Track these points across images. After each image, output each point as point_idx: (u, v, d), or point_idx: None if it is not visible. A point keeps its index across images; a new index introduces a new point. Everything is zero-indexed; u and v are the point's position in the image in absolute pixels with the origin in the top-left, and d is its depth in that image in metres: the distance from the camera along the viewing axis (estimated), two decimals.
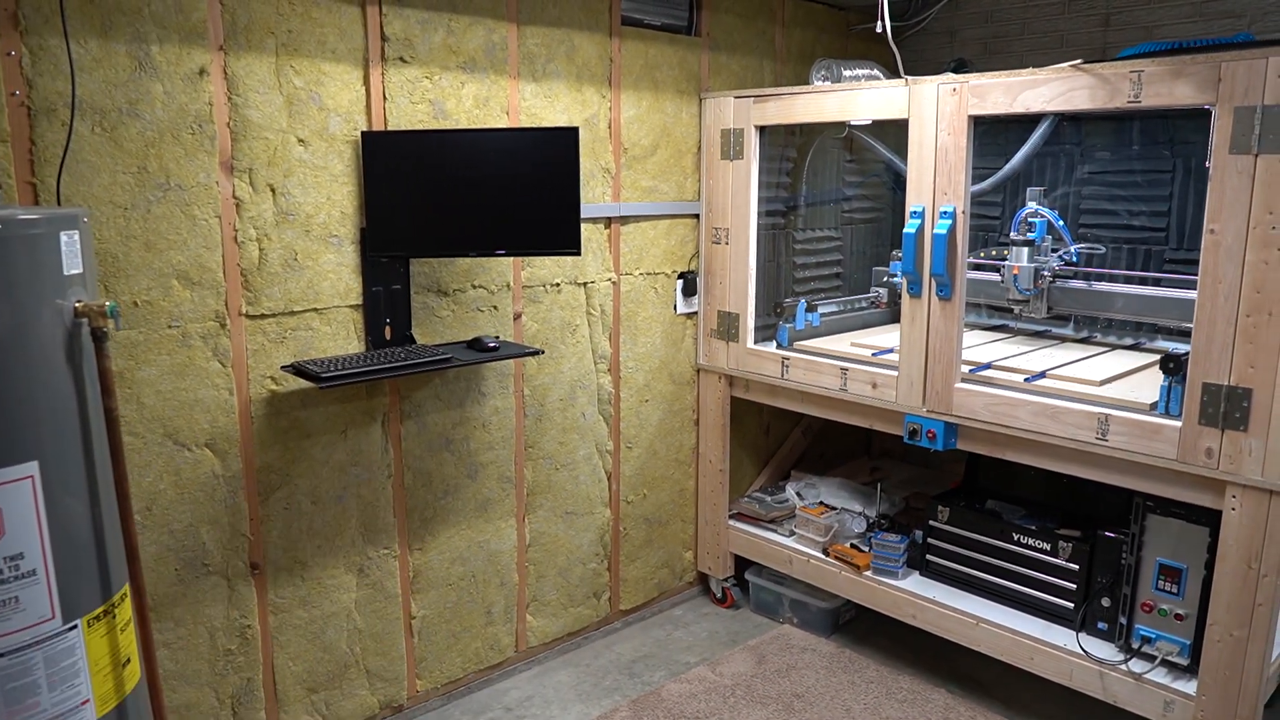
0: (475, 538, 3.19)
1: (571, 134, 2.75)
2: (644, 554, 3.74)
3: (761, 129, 3.46)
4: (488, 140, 2.78)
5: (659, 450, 3.71)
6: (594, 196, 3.30)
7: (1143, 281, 3.44)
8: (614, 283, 3.43)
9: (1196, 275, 3.26)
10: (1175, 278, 3.35)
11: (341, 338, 2.78)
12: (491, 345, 2.87)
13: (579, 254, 2.82)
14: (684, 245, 3.65)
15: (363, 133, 2.69)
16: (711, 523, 3.84)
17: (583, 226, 3.27)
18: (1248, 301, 2.37)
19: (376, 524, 2.93)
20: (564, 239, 2.79)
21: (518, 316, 3.17)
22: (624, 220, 3.42)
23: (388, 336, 2.87)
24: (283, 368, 2.63)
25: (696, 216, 3.67)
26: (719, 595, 3.91)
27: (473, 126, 2.94)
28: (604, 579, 3.61)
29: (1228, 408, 2.44)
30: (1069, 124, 3.71)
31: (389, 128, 2.78)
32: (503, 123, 3.02)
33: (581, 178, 3.23)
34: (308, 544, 2.79)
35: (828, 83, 3.47)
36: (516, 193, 2.78)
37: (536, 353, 2.98)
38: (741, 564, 3.87)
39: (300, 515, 2.76)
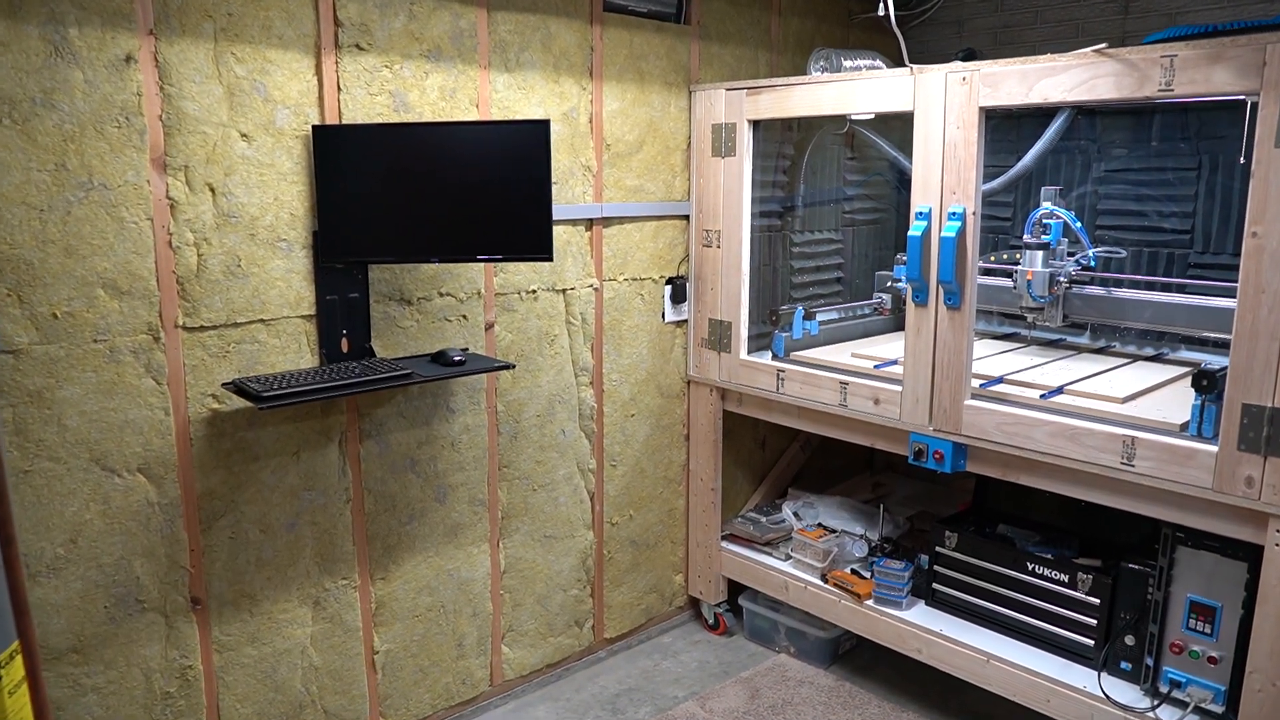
0: (444, 565, 2.95)
1: (541, 127, 2.51)
2: (630, 579, 3.49)
3: (755, 123, 3.21)
4: (450, 135, 2.54)
5: (646, 468, 3.46)
6: (574, 196, 3.06)
7: (1166, 288, 3.19)
8: (596, 289, 3.18)
9: (1223, 281, 3.06)
10: (1201, 284, 3.10)
11: (292, 351, 2.54)
12: (457, 359, 2.63)
13: (550, 259, 2.57)
14: (672, 248, 3.41)
15: (314, 127, 2.45)
16: (703, 545, 3.59)
17: (562, 229, 3.04)
18: None
19: (334, 552, 2.70)
20: (534, 243, 2.55)
21: (490, 326, 2.93)
22: (607, 222, 3.17)
23: (345, 349, 2.63)
24: (224, 385, 2.40)
25: (686, 218, 3.42)
26: (711, 621, 3.66)
27: (438, 120, 2.70)
28: (587, 606, 3.37)
29: (1271, 432, 2.18)
30: (1085, 118, 3.46)
31: (344, 121, 2.54)
32: (472, 116, 2.78)
33: (560, 176, 3.00)
34: (256, 576, 2.55)
35: (826, 74, 3.22)
36: (482, 193, 2.55)
37: (508, 366, 2.74)
38: (736, 588, 3.63)
39: (247, 545, 2.52)
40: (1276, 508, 2.20)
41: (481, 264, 2.86)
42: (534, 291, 3.01)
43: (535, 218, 2.55)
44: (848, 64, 3.27)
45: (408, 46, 2.63)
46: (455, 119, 2.74)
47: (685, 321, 3.48)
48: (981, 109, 2.60)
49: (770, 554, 3.48)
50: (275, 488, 2.55)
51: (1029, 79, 2.49)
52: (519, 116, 2.88)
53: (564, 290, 3.09)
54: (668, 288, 3.40)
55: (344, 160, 2.48)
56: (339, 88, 2.52)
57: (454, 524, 2.95)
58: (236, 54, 2.33)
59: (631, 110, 3.18)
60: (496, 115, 2.83)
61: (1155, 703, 2.52)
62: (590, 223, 3.13)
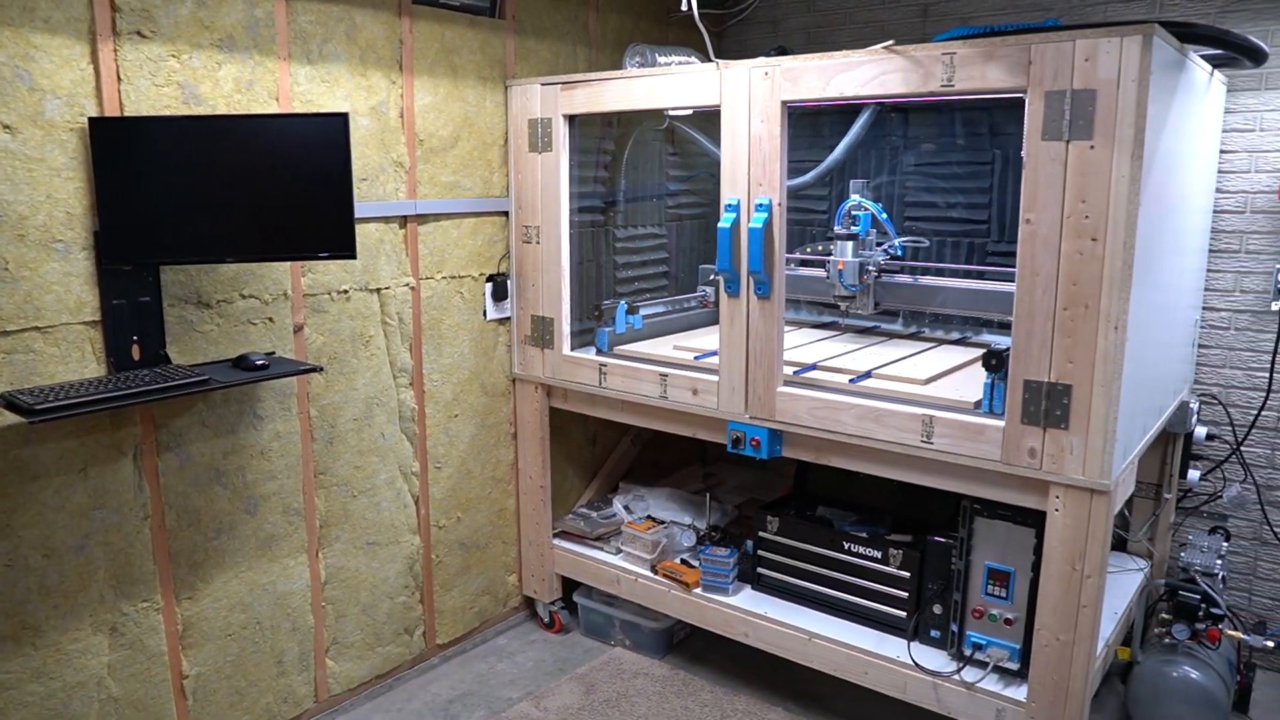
0: (258, 580, 2.81)
1: (340, 120, 2.43)
2: (461, 582, 3.43)
3: (571, 118, 3.21)
4: (245, 129, 2.42)
5: (473, 469, 3.41)
6: (385, 193, 2.97)
7: (966, 275, 3.38)
8: (413, 288, 3.11)
9: (1015, 267, 3.27)
10: (997, 270, 3.30)
11: (75, 360, 2.36)
12: (260, 363, 2.51)
13: (354, 257, 2.49)
14: (492, 245, 3.37)
15: (90, 119, 2.28)
16: (535, 543, 3.57)
17: (374, 226, 2.95)
18: (1065, 294, 2.28)
19: (131, 574, 2.53)
20: (337, 241, 2.46)
21: (299, 329, 2.81)
22: (422, 219, 3.10)
23: (136, 357, 2.47)
24: None
25: (505, 214, 3.38)
26: (547, 620, 3.64)
27: (232, 114, 2.57)
28: (416, 613, 3.29)
29: (1049, 405, 2.34)
30: (895, 115, 3.63)
31: (126, 114, 2.38)
32: (272, 110, 2.66)
33: (370, 172, 2.91)
34: (40, 605, 2.36)
35: (639, 69, 3.25)
36: (281, 190, 2.44)
37: (316, 369, 2.64)
38: (570, 585, 3.62)
39: (28, 572, 2.33)
40: (1055, 475, 2.36)
41: (286, 264, 2.74)
42: (345, 292, 2.91)
43: (337, 214, 2.46)
44: (662, 60, 3.31)
45: (197, 35, 2.49)
46: (254, 112, 2.61)
47: (508, 319, 3.45)
48: (783, 103, 2.67)
49: (602, 549, 3.49)
50: (59, 508, 2.37)
51: (826, 74, 2.59)
52: (324, 110, 2.77)
53: (378, 290, 3.01)
54: (488, 285, 3.36)
55: (128, 155, 2.32)
56: (119, 78, 2.36)
57: (267, 536, 2.82)
58: None
59: (445, 105, 3.12)
60: (299, 109, 2.72)
61: (960, 666, 2.67)
62: (404, 220, 3.05)
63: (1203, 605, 2.82)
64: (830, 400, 2.74)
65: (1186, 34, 2.39)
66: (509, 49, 3.30)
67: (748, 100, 2.74)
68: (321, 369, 2.80)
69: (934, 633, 2.81)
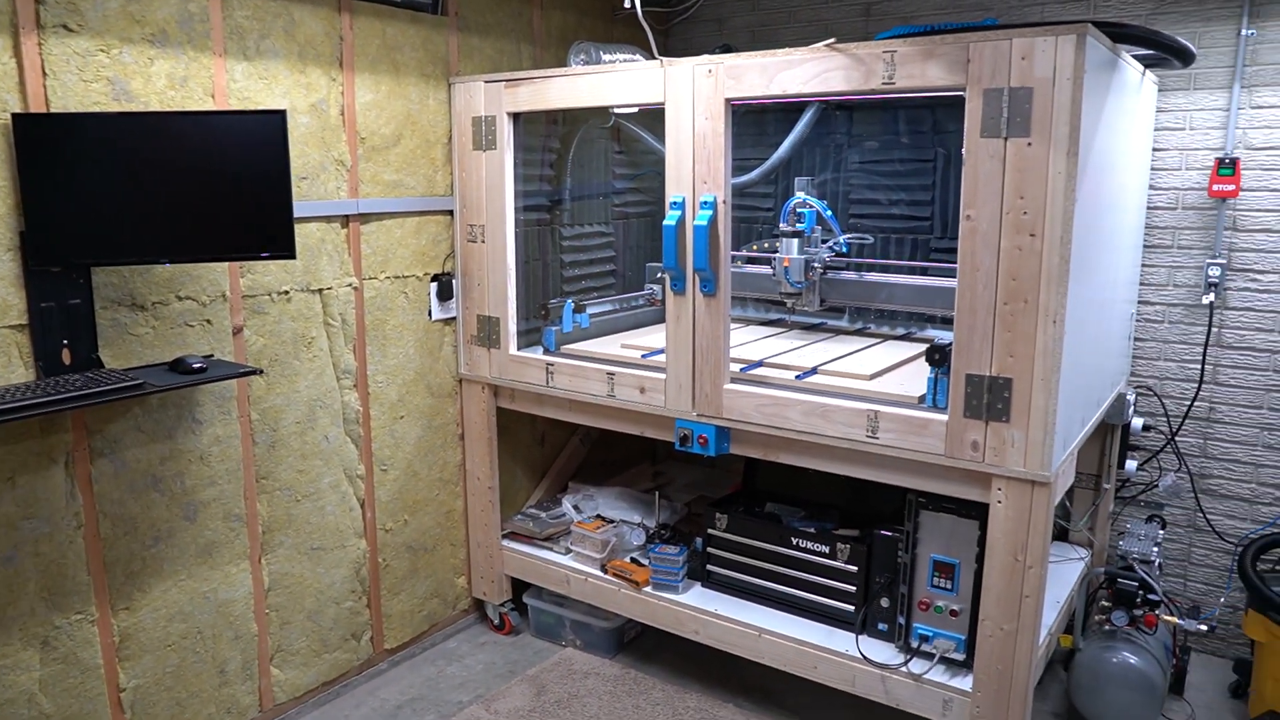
0: (199, 588, 2.75)
1: (278, 118, 2.38)
2: (409, 585, 3.39)
3: (515, 116, 3.18)
4: (179, 126, 2.36)
5: (420, 471, 3.37)
6: (327, 192, 2.92)
7: (910, 271, 3.42)
8: (356, 288, 3.06)
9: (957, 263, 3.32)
10: (940, 266, 3.34)
11: (0, 365, 2.28)
12: (197, 366, 2.45)
13: (293, 257, 2.44)
14: (437, 245, 3.33)
15: (13, 115, 2.21)
16: (483, 545, 3.54)
17: (315, 226, 2.90)
18: (1005, 289, 2.32)
19: (64, 585, 2.45)
20: (276, 241, 2.41)
21: (238, 331, 2.75)
22: (364, 218, 3.06)
23: (67, 361, 2.39)
24: None
25: (450, 213, 3.35)
26: (497, 622, 3.61)
27: (165, 110, 2.50)
28: (364, 618, 3.24)
29: (990, 399, 2.38)
30: (839, 113, 3.66)
31: (53, 110, 2.30)
32: (207, 107, 2.60)
33: (311, 171, 2.86)
34: None
35: (584, 66, 3.23)
36: (217, 189, 2.38)
37: (255, 371, 2.58)
38: (520, 586, 3.60)
39: None
40: (997, 468, 2.40)
41: (224, 265, 2.68)
42: (286, 292, 2.86)
43: (276, 214, 2.41)
44: (607, 58, 3.30)
45: (127, 29, 2.42)
46: (188, 109, 2.55)
47: (453, 319, 3.41)
48: (727, 100, 2.68)
49: (551, 549, 3.47)
50: None
51: (769, 72, 2.60)
52: (262, 107, 2.72)
53: (320, 290, 2.95)
54: (433, 285, 3.32)
55: (54, 153, 2.25)
56: (44, 72, 2.28)
57: (208, 543, 2.75)
58: None
59: (387, 103, 3.07)
60: (236, 106, 2.66)
61: (907, 658, 2.70)
62: (347, 219, 3.00)
63: (1141, 592, 2.89)
64: (777, 397, 2.75)
65: (1119, 34, 2.44)
66: (452, 46, 3.27)
67: (691, 98, 2.74)
68: (262, 371, 2.75)
69: (882, 626, 2.84)
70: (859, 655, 2.75)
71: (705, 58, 2.71)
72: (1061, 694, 3.11)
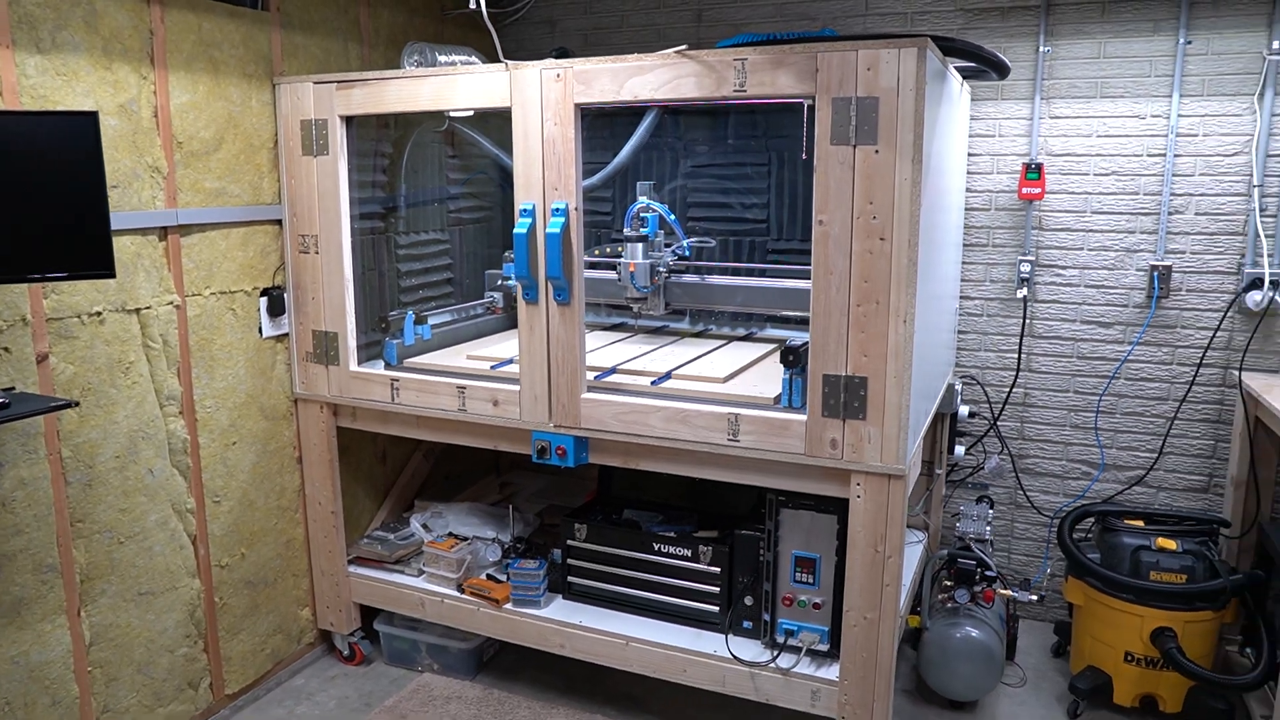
0: (6, 652, 2.43)
1: (89, 120, 2.14)
2: (250, 623, 3.15)
3: (349, 119, 3.02)
4: None
5: (256, 500, 3.14)
6: (141, 202, 2.66)
7: (749, 273, 3.49)
8: (178, 306, 2.80)
9: (798, 265, 3.42)
10: (779, 268, 3.44)
11: None
12: None
13: (112, 275, 2.20)
14: (266, 257, 3.10)
15: None
16: (329, 573, 3.34)
17: (129, 239, 2.64)
18: (858, 291, 2.40)
19: None
20: (91, 258, 2.17)
21: (43, 359, 2.45)
22: (185, 230, 2.81)
23: None
24: None
25: (279, 222, 3.13)
26: (346, 653, 3.42)
27: None
28: (201, 663, 2.98)
29: (847, 398, 2.46)
30: (670, 118, 3.69)
31: None
32: None
33: (123, 179, 2.60)
34: None
35: (422, 68, 3.10)
36: (18, 200, 2.11)
37: (68, 404, 2.30)
38: (370, 613, 3.42)
39: None
40: (855, 464, 2.49)
41: (22, 285, 2.39)
42: (99, 314, 2.58)
43: (91, 227, 2.17)
44: (443, 59, 3.18)
45: None
46: None
47: (287, 335, 3.20)
48: (577, 105, 2.64)
49: (403, 572, 3.32)
50: None
51: (620, 77, 2.58)
52: (62, 107, 2.44)
53: (138, 310, 2.69)
54: (263, 300, 3.10)
55: None
56: None
57: (15, 600, 2.44)
58: None
59: (206, 104, 2.83)
60: (30, 105, 2.37)
61: (775, 654, 2.76)
62: (165, 231, 2.75)
63: (978, 570, 3.08)
64: (636, 404, 2.74)
65: (949, 48, 2.58)
66: (275, 44, 3.05)
67: (540, 102, 2.68)
68: (76, 404, 2.47)
69: (747, 624, 2.89)
70: (728, 655, 2.78)
71: (554, 61, 2.66)
72: (910, 672, 3.28)
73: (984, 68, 2.90)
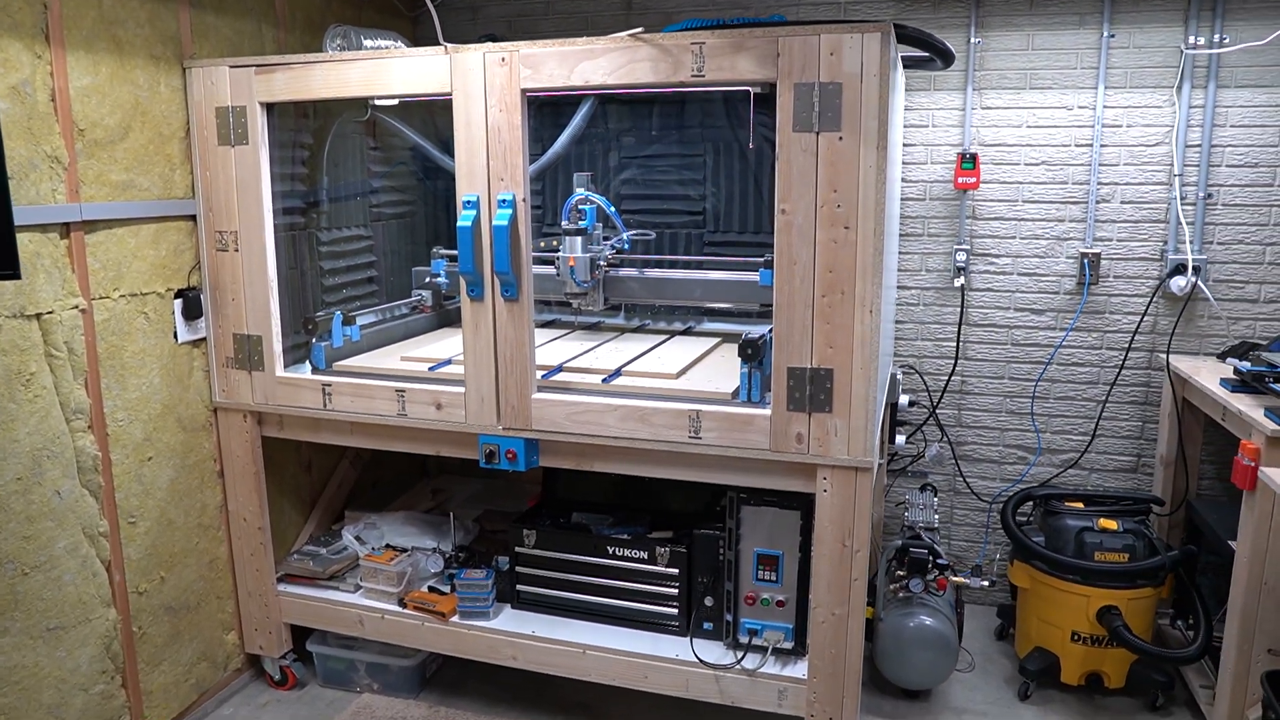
0: None
1: None
2: (171, 652, 2.90)
3: (269, 107, 2.81)
4: None
5: (175, 518, 2.89)
6: (39, 195, 2.41)
7: (688, 265, 3.42)
8: (84, 310, 2.55)
9: (734, 256, 3.37)
10: (718, 260, 3.38)
11: None
12: None
13: (17, 277, 1.98)
14: (180, 255, 2.87)
15: None
16: (256, 593, 3.11)
17: (27, 237, 2.39)
18: (822, 282, 2.35)
19: None
20: None
21: None
22: (90, 226, 2.56)
23: None
24: None
25: (193, 218, 2.90)
26: (277, 677, 3.20)
27: None
28: (119, 700, 2.72)
29: (813, 390, 2.41)
30: (602, 108, 3.58)
31: None
32: None
33: (18, 170, 2.35)
34: None
35: (350, 52, 2.91)
36: None
37: None
38: (301, 634, 3.21)
39: None
40: (822, 458, 2.44)
41: None
42: None
43: None
44: (368, 43, 3.01)
45: None
46: None
47: (205, 340, 2.96)
48: (523, 91, 2.51)
49: (337, 588, 3.13)
50: None
51: (569, 61, 2.46)
52: None
53: (38, 315, 2.43)
54: (178, 302, 2.86)
55: None
56: None
57: None
58: None
59: (110, 88, 2.59)
60: None
61: (740, 655, 2.69)
62: (67, 228, 2.49)
63: (930, 558, 3.08)
64: (591, 403, 2.63)
65: (902, 35, 2.55)
66: (184, 24, 2.82)
67: (483, 88, 2.54)
68: None
69: (708, 625, 2.82)
70: (692, 659, 2.70)
71: (497, 45, 2.53)
72: (863, 663, 3.26)
73: (932, 56, 2.89)
